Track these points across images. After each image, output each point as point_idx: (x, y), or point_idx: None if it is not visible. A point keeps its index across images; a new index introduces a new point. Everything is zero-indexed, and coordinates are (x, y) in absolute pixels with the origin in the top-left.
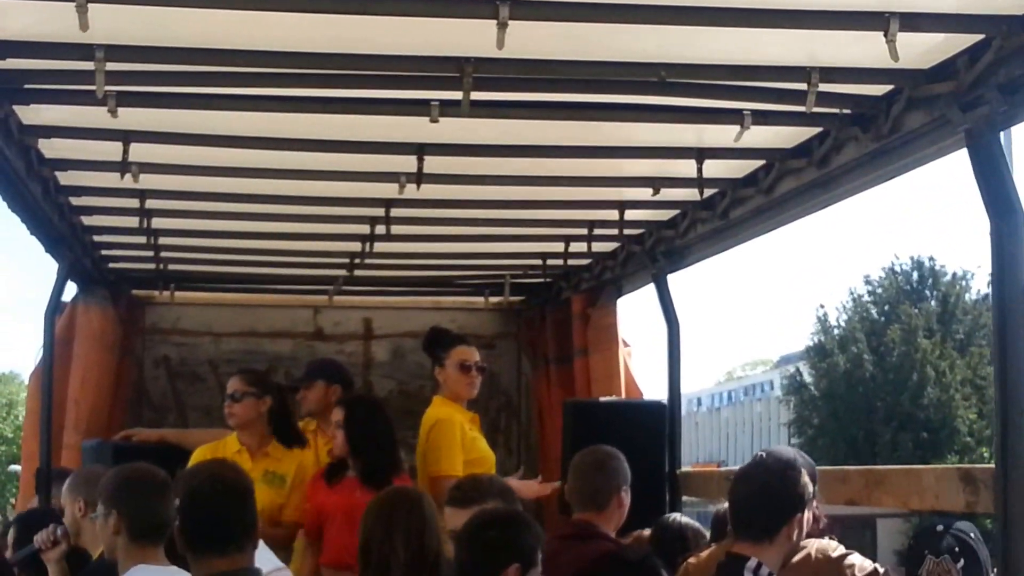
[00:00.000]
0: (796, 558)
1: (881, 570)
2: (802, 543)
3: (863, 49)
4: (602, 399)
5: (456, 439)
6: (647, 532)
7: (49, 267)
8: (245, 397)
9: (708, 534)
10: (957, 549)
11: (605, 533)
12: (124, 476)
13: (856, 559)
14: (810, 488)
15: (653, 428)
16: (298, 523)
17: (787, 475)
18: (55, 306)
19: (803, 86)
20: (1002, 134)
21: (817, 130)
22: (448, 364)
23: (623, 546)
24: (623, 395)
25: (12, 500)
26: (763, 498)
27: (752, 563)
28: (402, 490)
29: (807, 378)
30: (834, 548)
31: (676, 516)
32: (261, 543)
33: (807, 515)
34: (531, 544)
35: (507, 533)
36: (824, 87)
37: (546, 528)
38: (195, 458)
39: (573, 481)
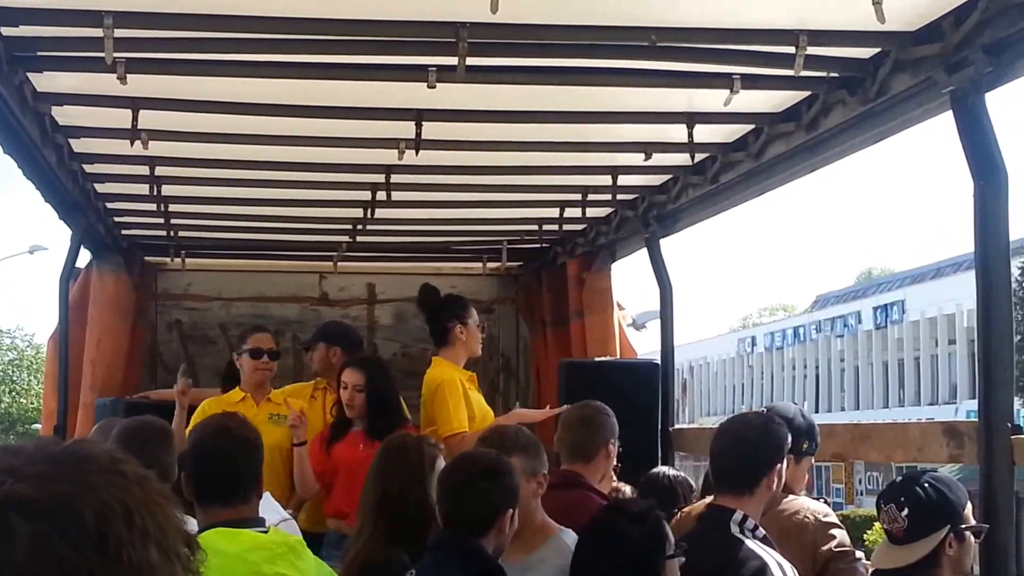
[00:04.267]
0: (791, 513)
1: (859, 555)
2: (797, 500)
3: (850, 12)
4: (596, 359)
5: (461, 397)
6: (625, 487)
7: None
8: (277, 355)
9: (697, 487)
10: (903, 499)
11: (588, 483)
12: (125, 428)
13: (840, 533)
14: (788, 440)
15: (646, 387)
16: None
17: (767, 428)
18: (69, 272)
19: (791, 49)
20: None
21: (805, 94)
22: (470, 323)
23: (622, 499)
24: (618, 356)
25: None
26: (743, 452)
27: (738, 516)
28: (397, 437)
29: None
30: (824, 513)
31: (665, 470)
32: (267, 495)
33: (784, 467)
34: (518, 485)
35: (498, 482)
36: (812, 50)
37: None
38: (200, 409)
39: (562, 433)
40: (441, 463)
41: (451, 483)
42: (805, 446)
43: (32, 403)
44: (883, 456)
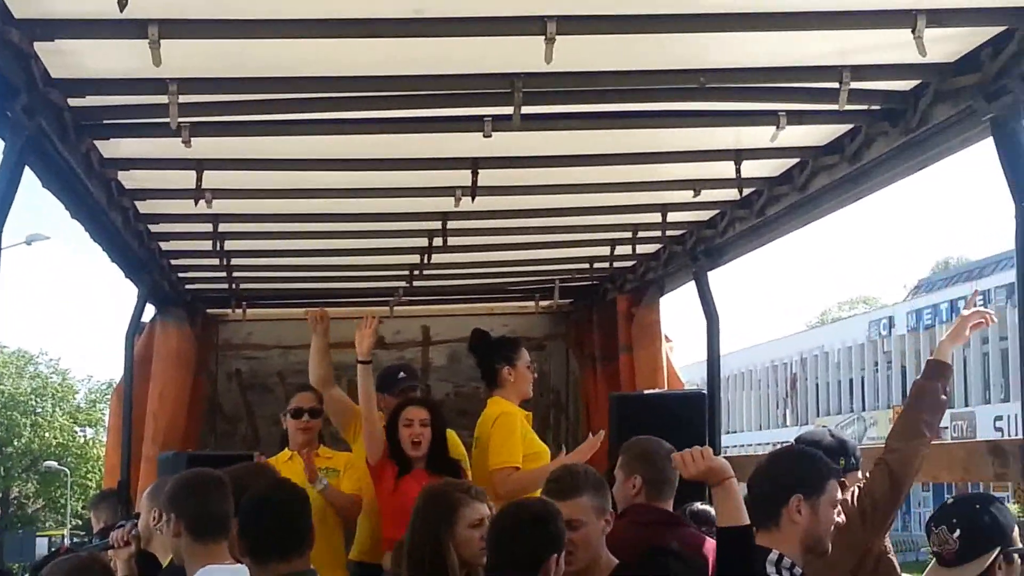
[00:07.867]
0: None
1: None
2: None
3: (891, 46)
4: (645, 391)
5: (518, 433)
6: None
7: None
8: (319, 413)
9: None
10: (954, 520)
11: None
12: (178, 480)
13: None
14: (813, 470)
15: (695, 417)
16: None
17: (782, 455)
18: (135, 327)
19: (835, 85)
20: None
21: (848, 127)
22: (520, 364)
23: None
24: (666, 387)
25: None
26: (759, 483)
27: (773, 555)
28: (436, 484)
29: None
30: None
31: (697, 505)
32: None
33: (826, 498)
34: (563, 531)
35: (546, 527)
36: (855, 85)
37: None
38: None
39: (650, 471)
40: (474, 510)
41: (498, 528)
42: (843, 463)
43: (56, 437)
44: (929, 476)
